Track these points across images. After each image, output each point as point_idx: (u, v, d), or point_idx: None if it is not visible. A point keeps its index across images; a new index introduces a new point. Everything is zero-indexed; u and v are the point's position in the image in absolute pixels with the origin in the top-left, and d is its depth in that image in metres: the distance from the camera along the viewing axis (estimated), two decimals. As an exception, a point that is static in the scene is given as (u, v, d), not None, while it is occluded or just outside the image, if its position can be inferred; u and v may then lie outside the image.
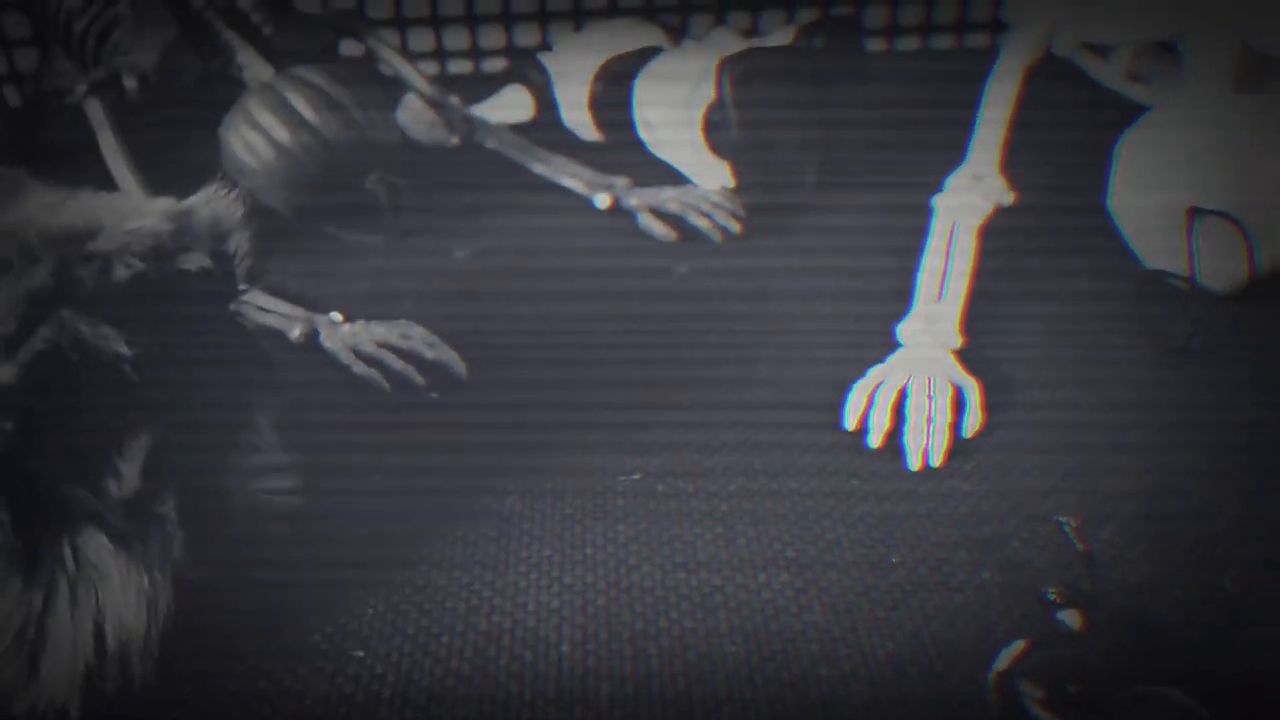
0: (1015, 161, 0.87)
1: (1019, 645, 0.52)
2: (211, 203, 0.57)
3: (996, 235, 0.83)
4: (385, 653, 0.55)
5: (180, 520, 0.53)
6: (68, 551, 0.50)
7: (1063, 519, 0.59)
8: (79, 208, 0.54)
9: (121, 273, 0.50)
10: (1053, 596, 0.54)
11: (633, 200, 0.97)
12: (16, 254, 0.49)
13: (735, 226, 0.93)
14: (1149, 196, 0.80)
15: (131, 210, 0.55)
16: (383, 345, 0.77)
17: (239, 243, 0.59)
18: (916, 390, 0.70)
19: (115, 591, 0.50)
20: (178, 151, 0.90)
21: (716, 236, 0.92)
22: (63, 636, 0.50)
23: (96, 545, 0.50)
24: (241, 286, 0.60)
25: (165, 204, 0.56)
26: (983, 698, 0.51)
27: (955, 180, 0.87)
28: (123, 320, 0.48)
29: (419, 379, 0.75)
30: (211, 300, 0.55)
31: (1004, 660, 0.51)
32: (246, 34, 0.96)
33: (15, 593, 0.49)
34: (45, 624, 0.50)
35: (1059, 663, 0.50)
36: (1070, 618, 0.52)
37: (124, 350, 0.48)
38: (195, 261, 0.53)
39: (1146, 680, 0.49)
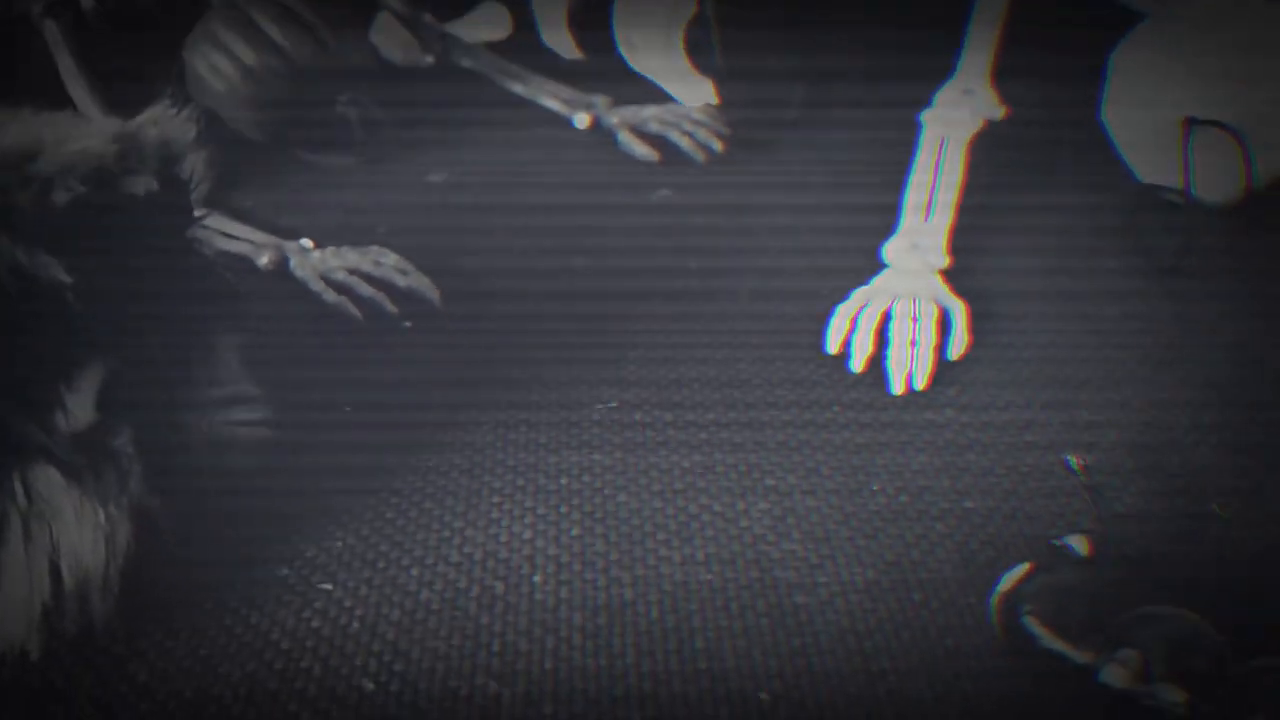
0: (1006, 74, 0.84)
1: (1023, 568, 0.50)
2: (160, 122, 0.55)
3: (986, 151, 0.81)
4: (354, 586, 0.54)
5: (137, 452, 0.51)
6: (18, 486, 0.48)
7: (1069, 457, 0.57)
8: (20, 130, 0.52)
9: (61, 196, 0.47)
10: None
11: (613, 119, 0.94)
12: (-49, 179, 0.47)
13: (718, 145, 0.90)
14: (1144, 108, 0.77)
15: (75, 131, 0.52)
16: (354, 272, 0.75)
17: (193, 165, 0.56)
18: (901, 312, 0.68)
19: (70, 527, 0.49)
20: (136, 71, 0.87)
21: (699, 156, 0.90)
22: (17, 574, 0.49)
23: (48, 480, 0.49)
24: (198, 212, 0.58)
25: (110, 124, 0.54)
26: (973, 623, 0.50)
27: (944, 95, 0.84)
28: (63, 247, 0.46)
29: (391, 306, 0.73)
30: (163, 226, 0.53)
31: (1007, 582, 0.50)
32: (210, -51, 0.92)
33: (-34, 531, 0.48)
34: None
35: (1063, 585, 0.49)
36: (1078, 543, 0.51)
37: (64, 278, 0.46)
38: (142, 185, 0.50)
39: (1148, 601, 0.48)
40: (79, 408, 0.49)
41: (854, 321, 0.68)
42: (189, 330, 0.56)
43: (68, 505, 0.49)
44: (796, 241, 0.80)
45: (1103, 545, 0.51)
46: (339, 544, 0.57)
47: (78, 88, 0.83)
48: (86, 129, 0.52)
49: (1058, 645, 0.47)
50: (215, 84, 0.88)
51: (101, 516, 0.50)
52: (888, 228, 0.76)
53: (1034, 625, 0.48)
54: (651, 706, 0.47)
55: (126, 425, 0.51)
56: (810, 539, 0.56)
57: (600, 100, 0.96)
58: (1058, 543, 0.52)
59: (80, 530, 0.49)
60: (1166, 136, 0.75)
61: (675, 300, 0.74)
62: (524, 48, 1.04)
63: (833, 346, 0.67)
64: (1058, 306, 0.71)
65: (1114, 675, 0.45)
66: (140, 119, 0.54)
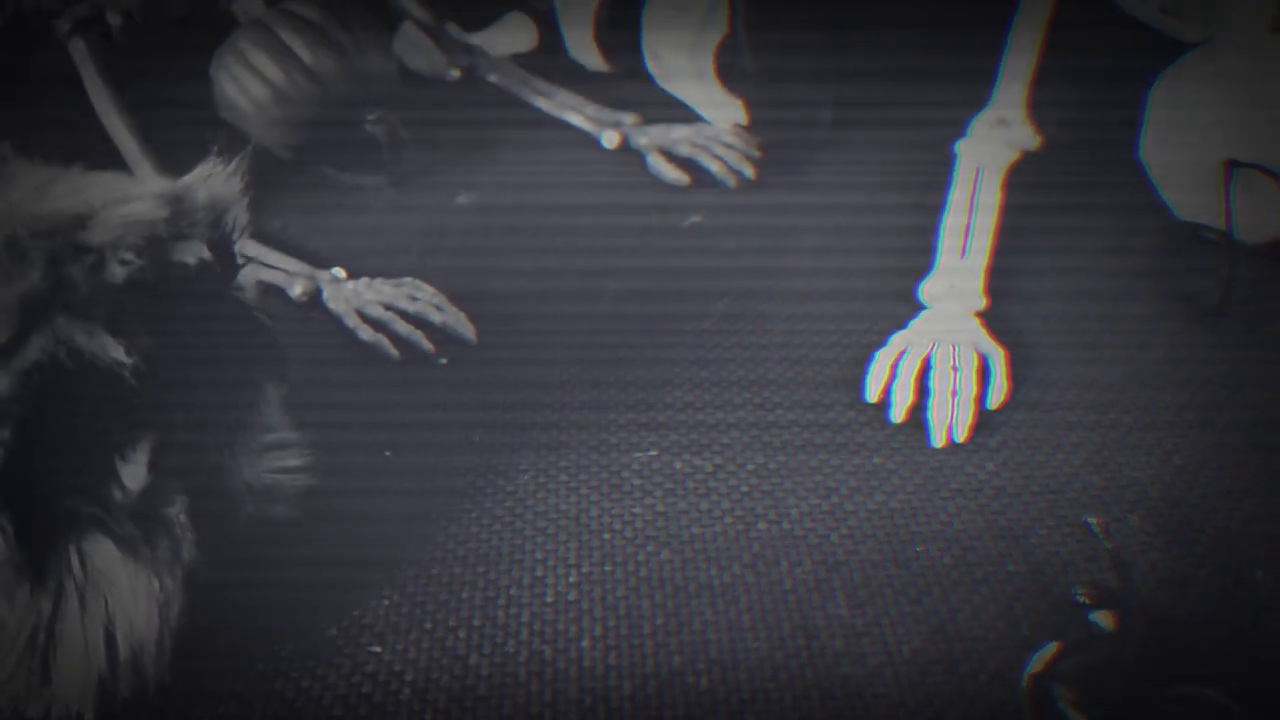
0: (1043, 105, 0.84)
1: (1052, 648, 0.51)
2: (209, 180, 0.54)
3: (1022, 185, 0.80)
4: (402, 649, 0.54)
5: (190, 520, 0.51)
6: (75, 559, 0.48)
7: (1090, 520, 0.57)
8: (67, 190, 0.51)
9: (117, 271, 0.47)
10: (1082, 598, 0.53)
11: (642, 140, 0.93)
12: (3, 250, 0.47)
13: (749, 170, 0.89)
14: (1183, 146, 0.77)
15: (124, 193, 0.52)
16: (389, 307, 0.75)
17: (236, 215, 0.56)
18: (941, 359, 0.68)
19: (125, 597, 0.49)
20: (167, 92, 0.86)
21: (730, 181, 0.89)
22: (74, 643, 0.49)
23: (104, 552, 0.49)
24: (240, 261, 0.57)
25: (159, 185, 0.53)
26: (1016, 702, 0.50)
27: (979, 124, 0.84)
28: (121, 326, 0.46)
29: (427, 344, 0.73)
30: (212, 291, 0.53)
31: (1037, 663, 0.50)
32: (236, -36, 0.91)
33: (24, 601, 0.48)
34: (55, 630, 0.49)
35: (1094, 664, 0.50)
36: (1103, 618, 0.51)
37: (124, 359, 0.46)
38: (194, 253, 0.50)
39: (1182, 678, 0.49)
40: (132, 477, 0.49)
41: (893, 369, 0.68)
42: (236, 385, 0.56)
43: (123, 576, 0.49)
44: (829, 274, 0.79)
45: (1127, 618, 0.52)
46: (385, 602, 0.57)
47: (105, 108, 0.82)
48: (134, 190, 0.52)
49: None
50: (242, 103, 0.87)
51: (156, 586, 0.50)
52: (923, 264, 0.76)
53: (1066, 708, 0.48)
54: (705, 784, 0.48)
55: (179, 492, 0.51)
56: (855, 602, 0.56)
57: (628, 119, 0.95)
58: (1082, 605, 0.52)
59: (135, 600, 0.49)
60: (1206, 177, 0.75)
61: (709, 338, 0.74)
62: (550, 60, 1.03)
63: (872, 395, 0.67)
64: (1096, 351, 0.71)
65: None
66: (189, 179, 0.53)
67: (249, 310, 0.58)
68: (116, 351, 0.46)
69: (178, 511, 0.51)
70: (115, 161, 0.81)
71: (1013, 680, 0.51)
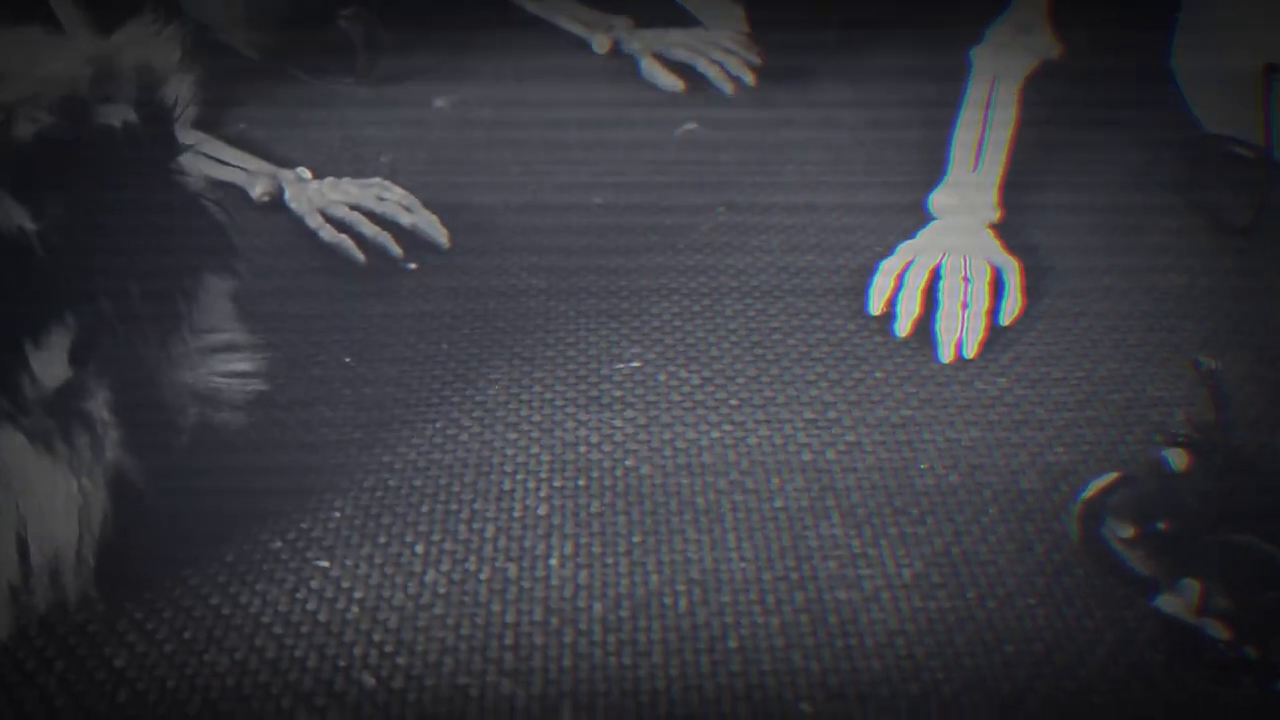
0: (1066, 10, 0.78)
1: (1109, 476, 0.47)
2: (140, 42, 0.49)
3: (1040, 94, 0.75)
4: (352, 564, 0.50)
5: (113, 415, 0.46)
6: (-20, 454, 0.43)
7: (1203, 359, 0.53)
8: (-15, 46, 0.46)
9: (25, 129, 0.42)
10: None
11: (635, 44, 0.87)
12: (-101, 105, 0.41)
13: (750, 78, 0.83)
14: (1219, 53, 0.71)
15: (44, 52, 0.46)
16: (355, 208, 0.69)
17: (177, 89, 0.50)
18: (951, 271, 0.62)
19: (39, 499, 0.44)
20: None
21: (729, 88, 0.83)
22: (-20, 548, 0.44)
23: (12, 447, 0.44)
24: (185, 141, 0.52)
25: (84, 44, 0.47)
26: (1064, 525, 0.48)
27: (997, 31, 0.78)
28: (28, 188, 0.40)
29: (395, 248, 0.67)
30: (141, 161, 0.47)
31: (1092, 489, 0.47)
32: None
33: (-79, 500, 0.43)
34: (-42, 535, 0.44)
35: (1150, 499, 0.46)
36: (1175, 457, 0.47)
37: (29, 224, 0.40)
38: (119, 116, 0.44)
39: (1233, 525, 0.45)
40: (48, 368, 0.44)
41: (899, 280, 0.63)
42: (173, 274, 0.50)
43: (36, 475, 0.44)
44: (833, 186, 0.74)
45: (1202, 460, 0.47)
46: (336, 514, 0.52)
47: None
48: (56, 49, 0.46)
49: (1129, 559, 0.45)
50: (208, -6, 0.81)
51: (74, 486, 0.45)
52: (933, 175, 0.70)
53: (1111, 538, 0.45)
54: (681, 713, 0.43)
55: (102, 385, 0.46)
56: (852, 523, 0.51)
57: (621, 22, 0.89)
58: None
59: (50, 502, 0.44)
60: (1242, 84, 0.69)
61: (701, 249, 0.68)
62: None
63: (875, 307, 0.62)
64: (1116, 268, 0.66)
65: (1169, 604, 0.43)
66: (117, 38, 0.48)
67: (192, 195, 0.53)
68: (20, 217, 0.40)
69: (99, 406, 0.45)
70: (41, 17, 0.75)
71: (1022, 607, 0.47)
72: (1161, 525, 0.45)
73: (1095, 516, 0.46)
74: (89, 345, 0.45)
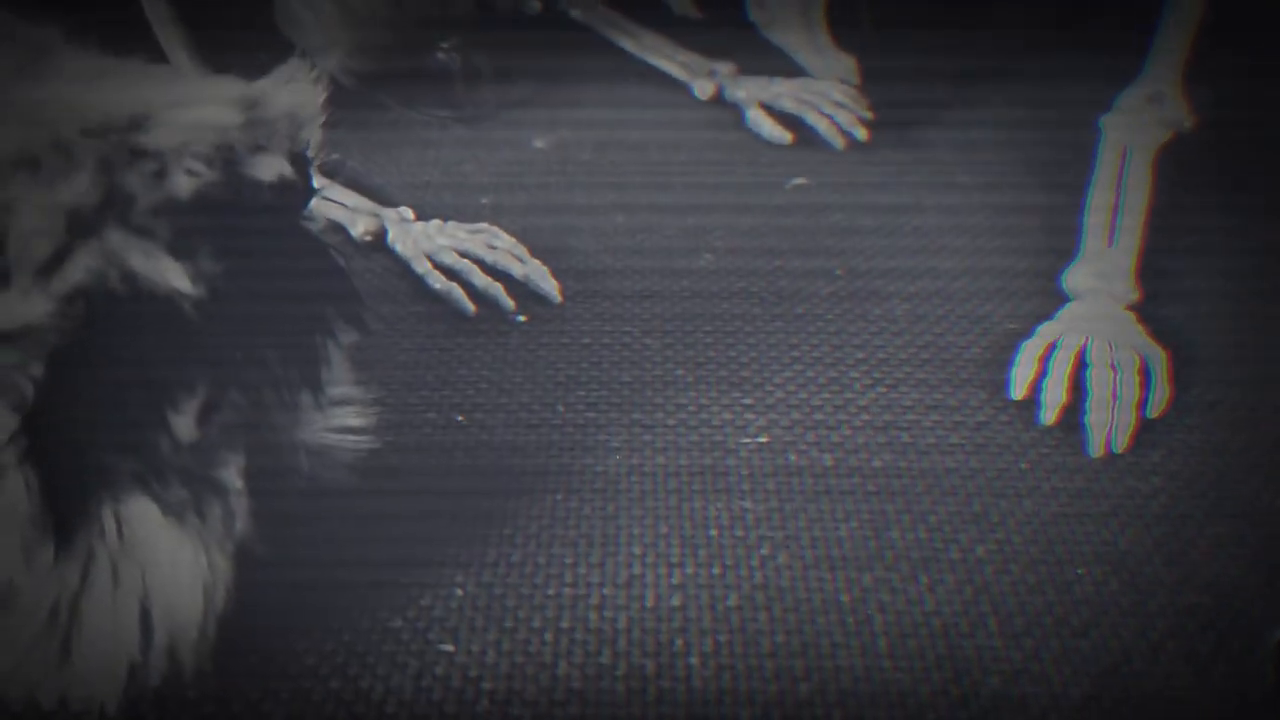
0: (1200, 81, 0.75)
1: None
2: (290, 85, 0.46)
3: (1175, 167, 0.72)
4: (479, 650, 0.46)
5: (246, 486, 0.43)
6: (110, 523, 0.41)
7: None
8: (124, 85, 0.43)
9: (182, 183, 0.39)
10: None
11: (740, 92, 0.84)
12: (48, 149, 0.39)
13: (861, 132, 0.81)
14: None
15: (190, 94, 0.43)
16: (464, 255, 0.67)
17: (314, 133, 0.47)
18: (1098, 358, 0.59)
19: (165, 571, 0.41)
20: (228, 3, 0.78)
21: (839, 143, 0.80)
22: (102, 621, 0.41)
23: (145, 516, 0.41)
24: (317, 186, 0.49)
25: (231, 87, 0.45)
26: (1260, 666, 0.44)
27: (1128, 99, 0.75)
28: (185, 248, 0.38)
29: (508, 300, 0.64)
30: (286, 214, 0.44)
31: None
32: None
33: (46, 568, 0.40)
34: (81, 605, 0.41)
35: None
36: None
37: (186, 288, 0.38)
38: (273, 169, 0.42)
39: None
40: (184, 431, 0.41)
41: (1043, 364, 0.59)
42: (307, 328, 0.48)
43: (164, 546, 0.41)
44: (954, 252, 0.71)
45: None
46: (459, 592, 0.49)
47: (164, 27, 0.74)
48: (202, 91, 0.44)
49: None
50: (308, 18, 0.79)
51: (203, 561, 0.42)
52: (1065, 249, 0.67)
53: None
54: (846, 844, 0.40)
55: (234, 452, 0.43)
56: (1010, 633, 0.48)
57: (724, 68, 0.86)
58: None
59: (177, 576, 0.41)
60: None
61: (821, 315, 0.66)
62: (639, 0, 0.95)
63: (1018, 391, 0.59)
64: (1268, 356, 0.63)
65: None
66: (266, 83, 0.45)
67: (323, 245, 0.50)
68: (179, 278, 0.38)
69: (233, 475, 0.43)
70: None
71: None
72: None
73: None
74: (220, 405, 0.43)
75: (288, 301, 0.45)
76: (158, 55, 0.46)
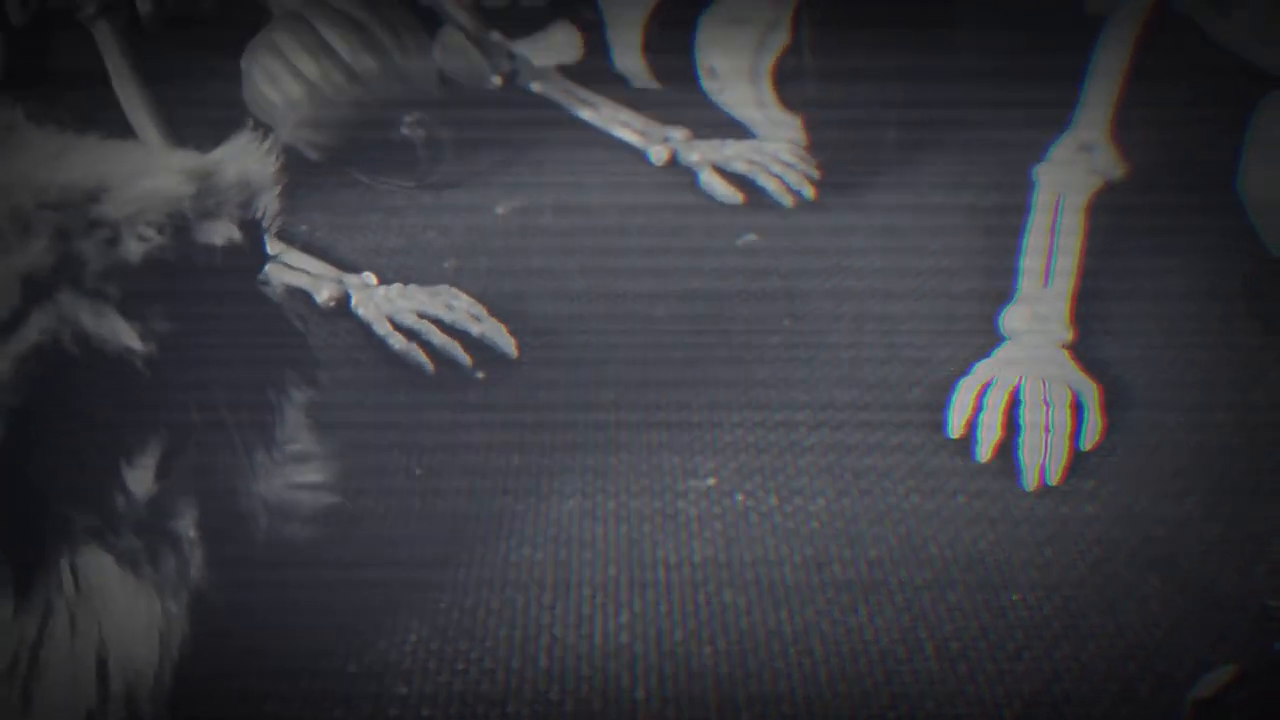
0: (1128, 131, 0.78)
1: (1228, 670, 0.44)
2: (241, 157, 0.49)
3: (1106, 211, 0.75)
4: (431, 691, 0.48)
5: (200, 536, 0.45)
6: (66, 574, 0.42)
7: (1271, 604, 0.51)
8: (83, 160, 0.46)
9: (134, 248, 0.41)
10: (1275, 606, 0.46)
11: (693, 155, 0.88)
12: (7, 219, 0.41)
13: (809, 190, 0.84)
14: (1287, 177, 0.71)
15: (145, 165, 0.46)
16: (423, 315, 0.69)
17: (267, 201, 0.50)
18: (1031, 393, 0.61)
19: (121, 621, 0.43)
20: (195, 85, 0.81)
21: (787, 200, 0.84)
22: (60, 671, 0.43)
23: (100, 568, 0.42)
24: (272, 252, 0.52)
25: (185, 159, 0.47)
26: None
27: (1060, 150, 0.78)
28: (135, 309, 0.40)
29: (465, 356, 0.67)
30: (239, 278, 0.47)
31: (1206, 686, 0.44)
32: (272, -46, 0.87)
33: (4, 620, 0.42)
34: (40, 656, 0.43)
35: (1272, 699, 0.43)
36: None
37: (136, 346, 0.40)
38: (222, 233, 0.44)
39: None
40: (140, 484, 0.43)
41: (978, 401, 0.62)
42: (259, 386, 0.50)
43: (120, 596, 0.43)
44: (898, 297, 0.74)
45: None
46: (412, 637, 0.51)
47: (130, 97, 0.77)
48: (156, 163, 0.46)
49: None
50: (273, 97, 0.82)
51: (158, 609, 0.43)
52: (1002, 292, 0.70)
53: None
54: None
55: (188, 504, 0.45)
56: (946, 656, 0.49)
57: (677, 134, 0.90)
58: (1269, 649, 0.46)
59: (133, 625, 0.43)
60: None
61: (770, 362, 0.68)
62: (595, 72, 0.99)
63: (955, 429, 0.61)
64: (1194, 387, 0.65)
65: None
66: (218, 154, 0.48)
67: (277, 307, 0.52)
68: (129, 337, 0.40)
69: (187, 525, 0.44)
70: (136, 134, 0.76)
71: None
72: None
73: (1210, 718, 0.43)
74: (177, 459, 0.45)
75: (241, 360, 0.47)
76: (114, 132, 0.48)
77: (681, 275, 0.77)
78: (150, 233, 0.42)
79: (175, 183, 0.45)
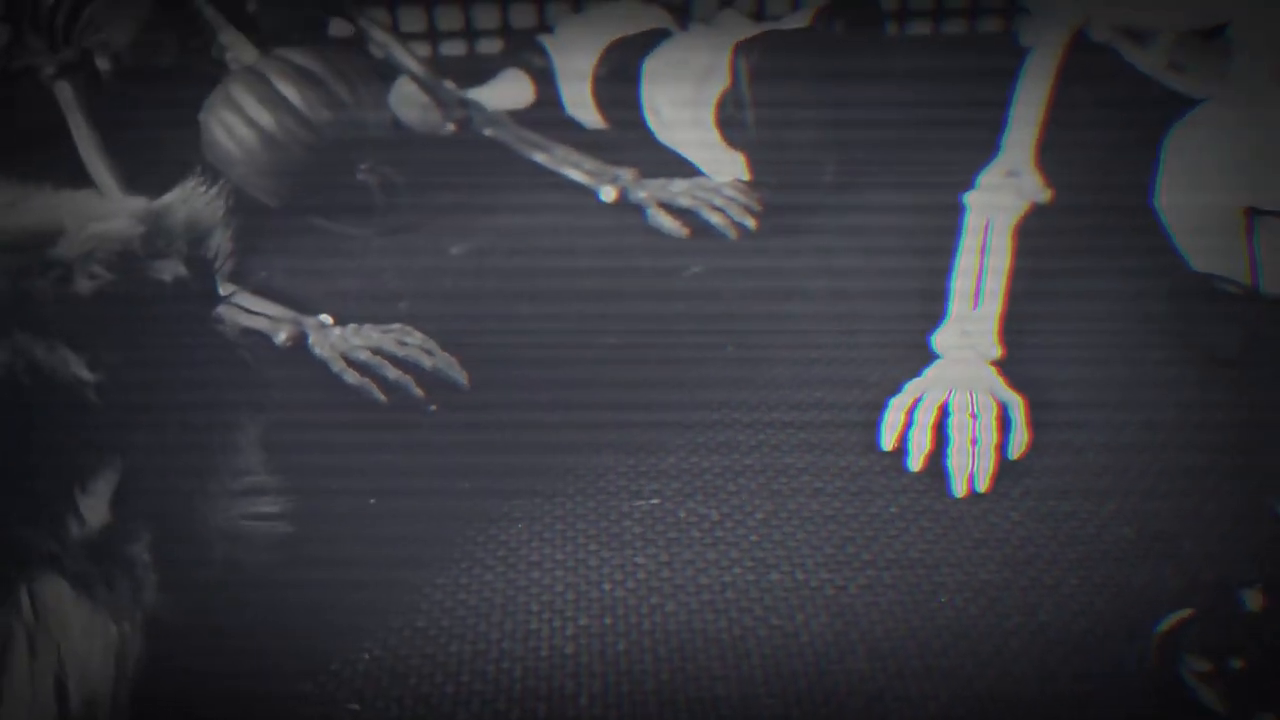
0: (1052, 156, 0.82)
1: (1183, 612, 0.48)
2: (189, 200, 0.51)
3: (1033, 236, 0.78)
4: (384, 707, 0.50)
5: (154, 561, 0.47)
6: (25, 599, 0.44)
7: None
8: (39, 207, 0.48)
9: (84, 284, 0.44)
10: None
11: (641, 193, 0.91)
12: (-36, 263, 0.43)
13: (751, 223, 0.87)
14: (1200, 195, 0.74)
15: (98, 211, 0.49)
16: (377, 352, 0.71)
17: (219, 243, 0.53)
18: (959, 407, 0.64)
19: (78, 643, 0.45)
20: (154, 139, 0.84)
21: (731, 233, 0.87)
22: (21, 694, 0.44)
23: (57, 592, 0.44)
24: (223, 292, 0.54)
25: (136, 204, 0.50)
26: (1145, 657, 0.48)
27: (988, 176, 0.82)
28: (85, 341, 0.42)
29: (416, 390, 0.69)
30: (188, 313, 0.49)
31: (1167, 623, 0.48)
32: (229, 12, 0.90)
33: (-35, 646, 0.44)
34: (1, 681, 0.44)
35: (1228, 638, 0.46)
36: (1251, 598, 0.48)
37: (86, 375, 0.42)
38: (170, 270, 0.47)
39: None
40: (92, 512, 0.45)
41: (909, 416, 0.64)
42: (211, 419, 0.52)
43: (75, 620, 0.45)
44: (838, 324, 0.76)
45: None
46: (366, 656, 0.52)
47: (91, 154, 0.80)
48: (109, 208, 0.49)
49: (1204, 695, 0.46)
50: (231, 148, 0.85)
51: (113, 631, 0.45)
52: (934, 313, 0.73)
53: (1189, 677, 0.46)
54: None
55: (143, 529, 0.47)
56: (876, 657, 0.52)
57: (626, 173, 0.93)
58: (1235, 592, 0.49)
59: (89, 647, 0.45)
60: (1225, 225, 0.73)
61: (712, 385, 0.70)
62: (546, 116, 1.02)
63: (887, 443, 0.64)
64: (1114, 400, 0.68)
65: None
66: (168, 198, 0.51)
67: (230, 344, 0.55)
68: (78, 366, 0.42)
69: (140, 550, 0.46)
70: (93, 184, 0.78)
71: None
72: (1238, 663, 0.46)
73: (1172, 652, 0.47)
74: (131, 488, 0.47)
75: (193, 391, 0.49)
76: (68, 182, 0.51)
77: (629, 305, 0.79)
78: (100, 270, 0.44)
79: (126, 225, 0.48)
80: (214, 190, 0.52)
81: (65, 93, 0.84)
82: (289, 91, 0.84)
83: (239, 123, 0.84)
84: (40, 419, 0.42)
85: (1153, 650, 0.48)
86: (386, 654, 0.53)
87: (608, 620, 0.54)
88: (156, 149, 0.81)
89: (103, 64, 0.85)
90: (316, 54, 0.87)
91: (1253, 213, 0.71)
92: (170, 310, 0.47)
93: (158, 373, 0.46)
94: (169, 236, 0.48)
